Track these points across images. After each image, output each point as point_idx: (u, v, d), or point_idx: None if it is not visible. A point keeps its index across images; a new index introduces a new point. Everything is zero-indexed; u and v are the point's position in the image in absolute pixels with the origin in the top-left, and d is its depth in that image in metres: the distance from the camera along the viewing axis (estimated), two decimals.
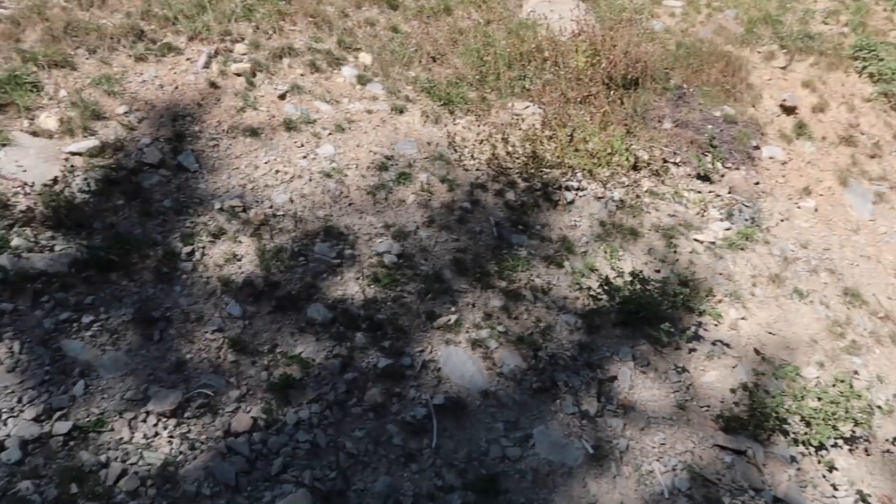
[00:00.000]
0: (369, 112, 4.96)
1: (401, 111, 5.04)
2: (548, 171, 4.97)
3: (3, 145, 3.90)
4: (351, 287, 3.91)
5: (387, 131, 4.88)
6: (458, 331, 3.87)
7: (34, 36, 4.55)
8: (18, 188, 3.75)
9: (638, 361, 4.06)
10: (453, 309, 3.97)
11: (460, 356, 3.75)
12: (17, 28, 4.55)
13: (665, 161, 5.42)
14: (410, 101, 5.15)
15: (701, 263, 4.80)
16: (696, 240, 4.96)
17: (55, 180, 3.84)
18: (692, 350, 4.24)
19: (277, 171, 4.36)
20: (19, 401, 3.00)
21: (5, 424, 2.91)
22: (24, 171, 3.82)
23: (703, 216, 5.17)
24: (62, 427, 2.95)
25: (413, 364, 3.66)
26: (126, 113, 4.32)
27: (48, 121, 4.11)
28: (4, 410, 2.95)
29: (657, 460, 3.64)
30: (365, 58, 5.35)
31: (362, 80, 5.16)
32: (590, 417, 3.70)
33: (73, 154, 4.00)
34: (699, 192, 5.36)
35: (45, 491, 2.72)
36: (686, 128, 5.68)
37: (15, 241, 3.50)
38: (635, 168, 5.26)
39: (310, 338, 3.63)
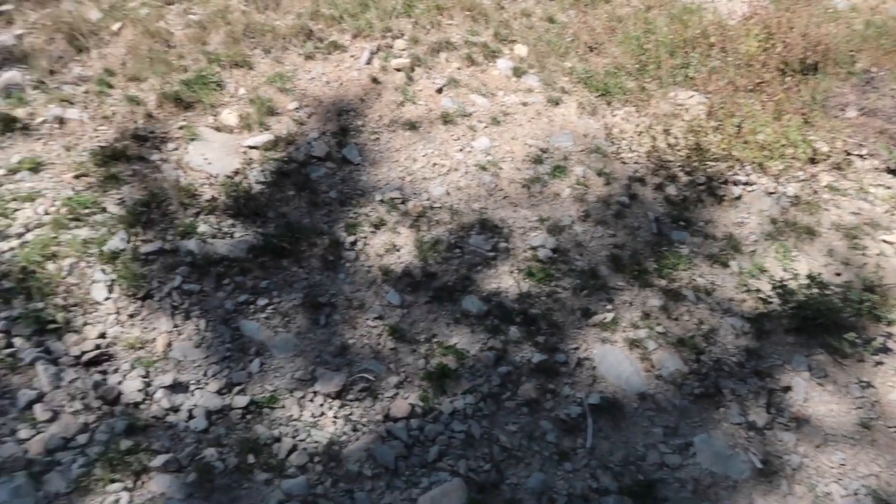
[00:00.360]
0: (524, 104, 4.91)
1: (556, 103, 4.94)
2: (712, 164, 4.67)
3: (192, 140, 4.27)
4: (505, 280, 3.90)
5: (542, 124, 4.81)
6: (614, 329, 3.74)
7: (218, 38, 4.94)
8: (205, 179, 4.09)
9: (814, 372, 3.72)
10: (609, 307, 3.85)
11: (616, 356, 3.63)
12: (203, 32, 4.97)
13: (848, 153, 4.90)
14: (566, 92, 5.04)
15: (891, 267, 4.29)
16: (884, 241, 4.44)
17: (235, 172, 4.15)
18: (879, 363, 3.81)
19: (435, 164, 4.44)
20: (205, 374, 3.28)
21: (193, 395, 3.19)
22: (210, 163, 4.16)
23: (893, 215, 4.62)
24: (241, 401, 3.19)
25: (567, 361, 3.59)
26: (296, 109, 4.57)
27: (229, 117, 4.45)
28: (192, 382, 3.24)
29: (836, 482, 3.32)
30: (520, 49, 5.30)
31: (518, 73, 5.12)
32: (758, 429, 3.44)
33: (251, 148, 4.30)
34: (889, 187, 4.80)
35: (226, 459, 2.95)
36: (874, 116, 5.10)
37: (201, 228, 3.82)
38: (813, 161, 4.80)
39: (464, 329, 3.66)
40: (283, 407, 3.22)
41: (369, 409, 3.29)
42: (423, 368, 3.47)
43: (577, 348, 3.65)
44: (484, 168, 4.46)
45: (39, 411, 2.92)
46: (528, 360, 3.55)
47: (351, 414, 3.25)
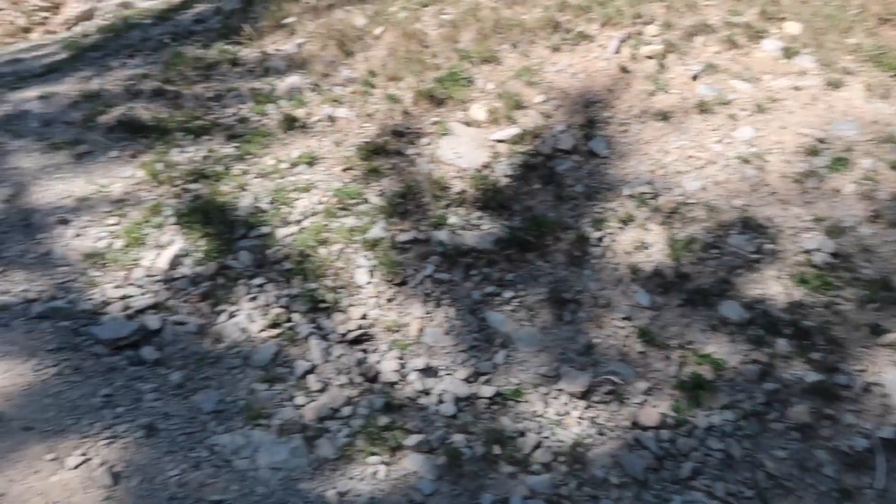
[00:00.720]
0: (796, 89, 4.35)
1: (837, 86, 4.31)
2: None
3: (444, 135, 4.44)
4: (771, 286, 3.49)
5: (818, 110, 4.22)
6: None
7: (468, 36, 5.08)
8: (455, 173, 4.22)
9: None
10: None
11: None
12: (455, 30, 5.14)
13: None
14: (850, 73, 4.37)
15: None
16: None
17: (484, 165, 4.23)
18: None
19: (689, 157, 4.11)
20: (453, 361, 3.38)
21: (442, 380, 3.30)
22: (460, 157, 4.29)
23: None
24: (487, 391, 3.23)
25: (851, 384, 3.09)
26: (543, 102, 4.54)
27: (478, 112, 4.54)
28: (441, 368, 3.35)
29: None
30: (791, 27, 4.71)
31: (788, 53, 4.55)
32: None
33: (498, 141, 4.35)
34: None
35: (473, 447, 3.00)
36: None
37: (452, 219, 3.95)
38: None
39: (722, 337, 3.34)
40: (528, 402, 3.20)
41: (615, 413, 3.14)
42: (674, 376, 3.23)
43: (863, 371, 3.14)
44: (747, 161, 4.03)
45: (312, 381, 3.21)
46: (801, 379, 3.13)
47: (596, 417, 3.13)
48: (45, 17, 7.34)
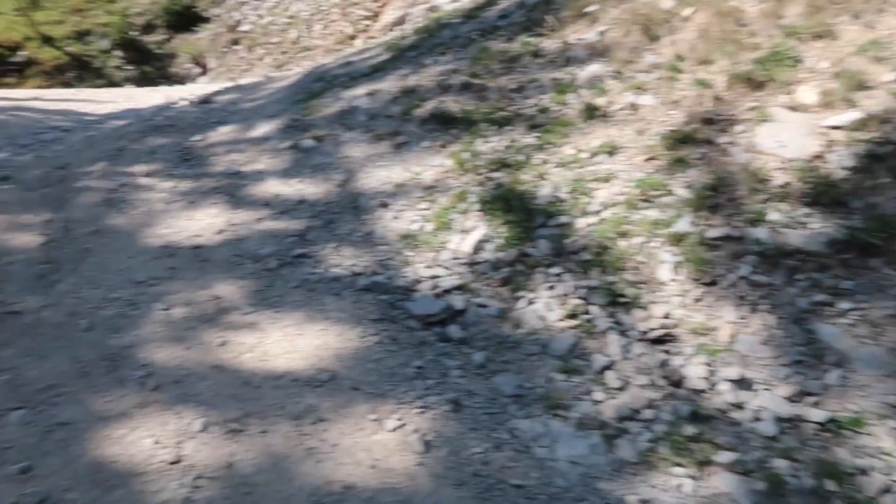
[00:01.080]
0: None
1: None
2: None
3: (763, 121, 3.97)
4: None
5: None
6: None
7: (795, 10, 4.48)
8: (776, 163, 3.74)
9: None
10: None
11: None
12: (778, 4, 4.57)
13: None
14: None
15: None
16: None
17: (814, 156, 3.68)
18: None
19: None
20: (772, 375, 2.98)
21: (758, 395, 2.94)
22: (783, 146, 3.79)
23: None
24: (816, 415, 2.79)
25: None
26: (894, 80, 3.80)
27: (807, 94, 3.97)
28: (758, 381, 2.99)
29: None
30: None
31: None
32: None
33: (833, 128, 3.75)
34: None
35: (800, 476, 2.61)
36: None
37: (772, 216, 3.51)
38: None
39: None
40: (871, 434, 2.69)
41: None
42: None
43: None
44: None
45: (611, 378, 3.09)
46: None
47: None
48: (367, 25, 8.26)
